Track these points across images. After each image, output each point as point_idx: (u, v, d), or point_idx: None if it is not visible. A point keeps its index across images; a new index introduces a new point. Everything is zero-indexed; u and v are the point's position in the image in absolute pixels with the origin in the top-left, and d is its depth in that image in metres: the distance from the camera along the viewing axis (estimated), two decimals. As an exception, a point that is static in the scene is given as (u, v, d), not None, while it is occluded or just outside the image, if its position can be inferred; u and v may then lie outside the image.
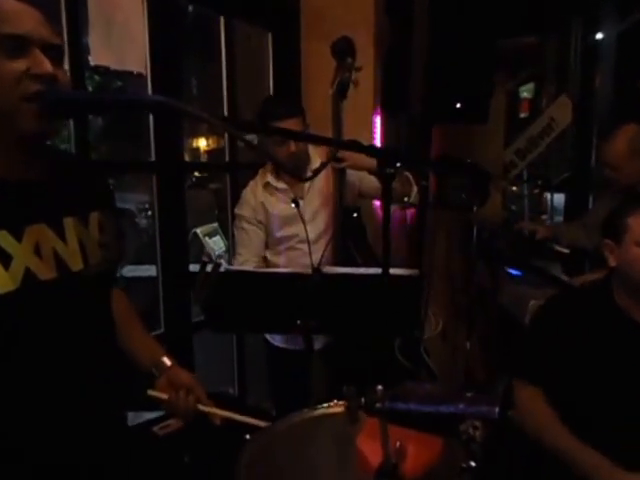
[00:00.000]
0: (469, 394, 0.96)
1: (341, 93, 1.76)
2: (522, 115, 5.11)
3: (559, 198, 4.85)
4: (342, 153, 1.73)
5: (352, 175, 1.87)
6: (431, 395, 0.95)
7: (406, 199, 1.89)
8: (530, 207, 4.34)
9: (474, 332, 2.57)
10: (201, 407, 1.15)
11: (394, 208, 1.97)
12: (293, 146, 1.78)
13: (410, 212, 2.46)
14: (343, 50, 1.75)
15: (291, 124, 1.78)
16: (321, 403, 1.17)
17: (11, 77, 0.81)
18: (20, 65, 0.82)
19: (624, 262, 1.41)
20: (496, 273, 2.74)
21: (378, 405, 0.90)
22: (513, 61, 3.10)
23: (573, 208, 4.29)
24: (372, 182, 1.88)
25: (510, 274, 2.79)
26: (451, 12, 2.09)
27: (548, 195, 5.16)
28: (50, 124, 0.86)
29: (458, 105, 2.19)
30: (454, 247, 2.68)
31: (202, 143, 8.08)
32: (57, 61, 0.86)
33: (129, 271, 3.85)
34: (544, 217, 5.20)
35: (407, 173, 1.88)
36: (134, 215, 6.00)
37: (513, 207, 4.42)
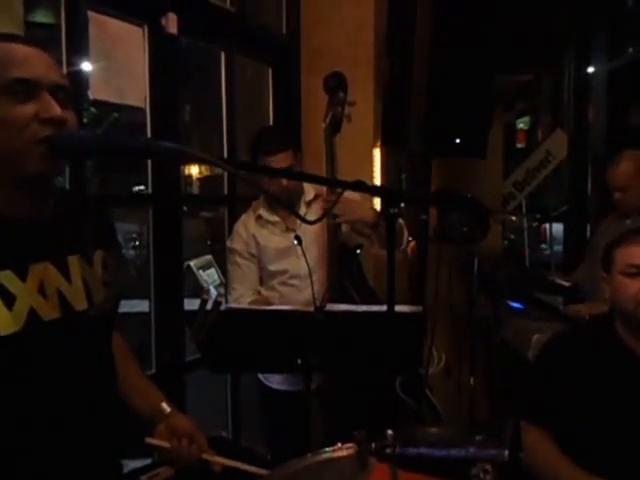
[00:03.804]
0: (479, 437, 0.94)
1: (334, 128, 1.77)
2: (519, 146, 5.20)
3: (558, 227, 4.89)
4: (336, 209, 1.73)
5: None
6: (441, 439, 0.93)
7: (402, 246, 1.87)
8: (530, 237, 4.38)
9: (478, 367, 2.53)
10: (205, 456, 1.12)
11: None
12: (285, 181, 1.78)
13: (411, 246, 2.45)
14: (335, 85, 1.76)
15: (281, 159, 1.78)
16: (319, 446, 1.14)
17: (20, 121, 0.82)
18: (29, 109, 0.82)
19: (613, 292, 1.47)
20: (498, 306, 2.71)
21: (388, 450, 0.87)
22: (510, 94, 3.16)
23: (572, 238, 4.34)
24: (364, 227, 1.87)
25: (512, 307, 2.77)
26: (451, 49, 2.12)
27: (547, 225, 5.21)
28: (57, 166, 0.87)
29: (457, 140, 2.21)
30: (455, 280, 2.66)
31: (194, 171, 8.07)
32: (65, 103, 0.86)
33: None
34: (543, 247, 5.23)
35: (400, 220, 1.85)
36: (121, 247, 5.93)
37: (512, 237, 4.45)
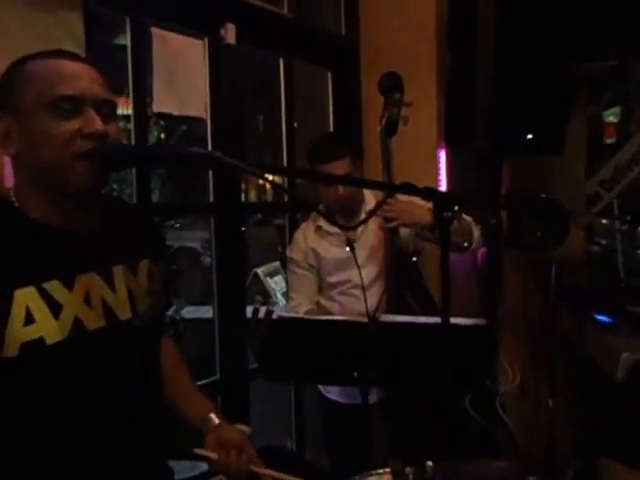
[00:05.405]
0: (532, 478, 0.83)
1: (389, 130, 1.73)
2: (608, 141, 4.75)
3: (657, 231, 4.41)
4: (390, 212, 1.70)
5: None
6: (487, 476, 0.83)
7: (466, 244, 1.76)
8: (624, 242, 3.96)
9: (557, 387, 2.30)
10: (254, 468, 1.10)
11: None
12: (341, 189, 1.76)
13: (481, 253, 2.29)
14: (390, 85, 1.74)
15: (337, 167, 1.75)
16: (381, 463, 1.08)
17: (65, 137, 0.84)
18: (73, 125, 0.85)
19: None
20: (581, 319, 2.46)
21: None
22: (595, 83, 2.86)
23: (673, 242, 3.89)
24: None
25: (598, 320, 2.50)
26: (520, 36, 1.96)
27: (644, 228, 4.70)
28: (101, 179, 0.89)
29: (530, 136, 2.03)
30: (531, 290, 2.46)
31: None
32: (109, 117, 0.88)
33: (188, 312, 3.89)
34: (640, 252, 4.73)
35: (465, 216, 1.76)
36: (199, 254, 6.18)
37: (604, 242, 4.05)
